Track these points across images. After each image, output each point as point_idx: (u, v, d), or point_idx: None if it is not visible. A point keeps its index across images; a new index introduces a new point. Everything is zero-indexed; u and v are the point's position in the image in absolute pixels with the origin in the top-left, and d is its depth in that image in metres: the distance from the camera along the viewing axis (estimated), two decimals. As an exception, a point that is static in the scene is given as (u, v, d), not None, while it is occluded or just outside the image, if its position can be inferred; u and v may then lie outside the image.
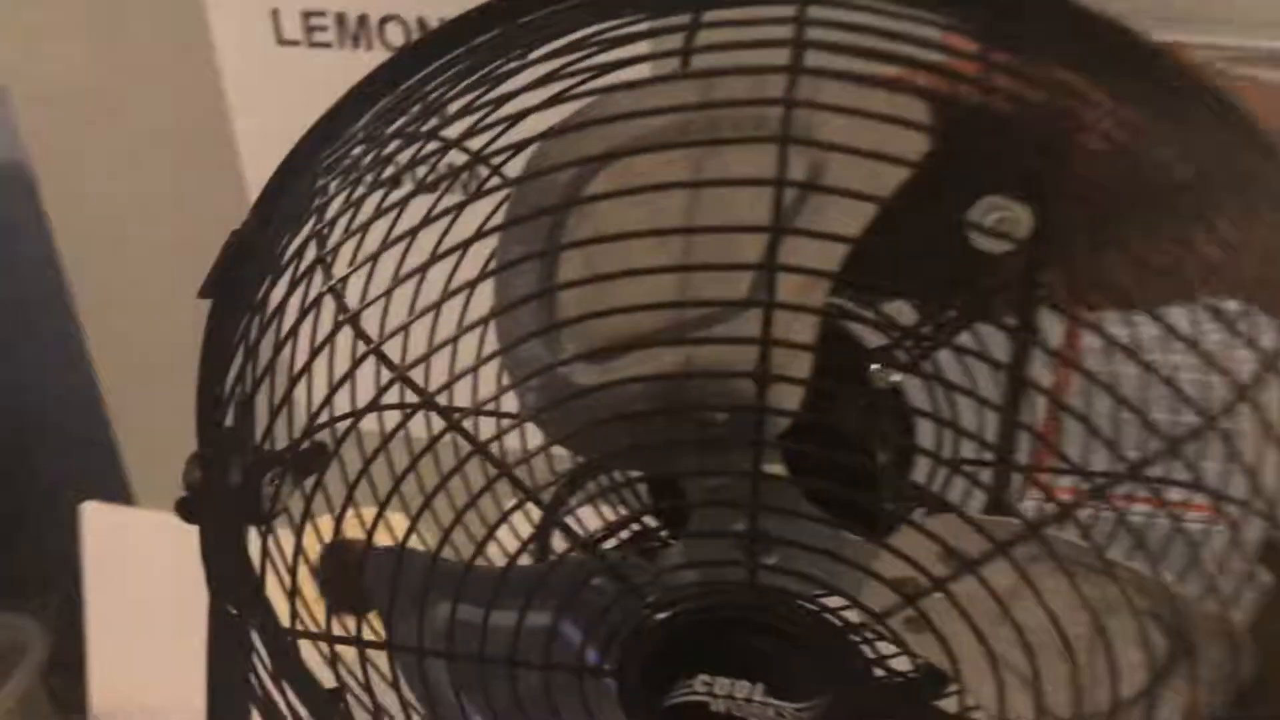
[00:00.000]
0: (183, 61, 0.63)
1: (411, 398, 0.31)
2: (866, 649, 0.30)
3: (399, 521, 0.37)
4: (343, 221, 0.32)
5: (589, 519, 0.47)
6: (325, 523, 0.38)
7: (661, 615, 0.30)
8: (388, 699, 0.39)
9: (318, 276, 0.32)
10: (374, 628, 0.38)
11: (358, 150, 0.32)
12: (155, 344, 0.77)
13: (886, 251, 0.31)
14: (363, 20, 0.59)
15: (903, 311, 0.39)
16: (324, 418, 0.39)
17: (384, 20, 0.59)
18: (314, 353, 0.34)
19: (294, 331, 0.32)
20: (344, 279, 0.30)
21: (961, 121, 0.30)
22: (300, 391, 0.37)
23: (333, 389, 0.34)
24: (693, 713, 0.31)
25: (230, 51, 0.62)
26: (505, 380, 0.34)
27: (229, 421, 0.37)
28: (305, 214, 0.33)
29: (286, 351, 0.36)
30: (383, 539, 0.38)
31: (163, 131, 0.67)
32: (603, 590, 0.31)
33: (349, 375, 0.33)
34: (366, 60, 0.60)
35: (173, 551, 0.82)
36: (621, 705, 0.32)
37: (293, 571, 0.38)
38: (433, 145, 0.34)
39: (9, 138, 0.69)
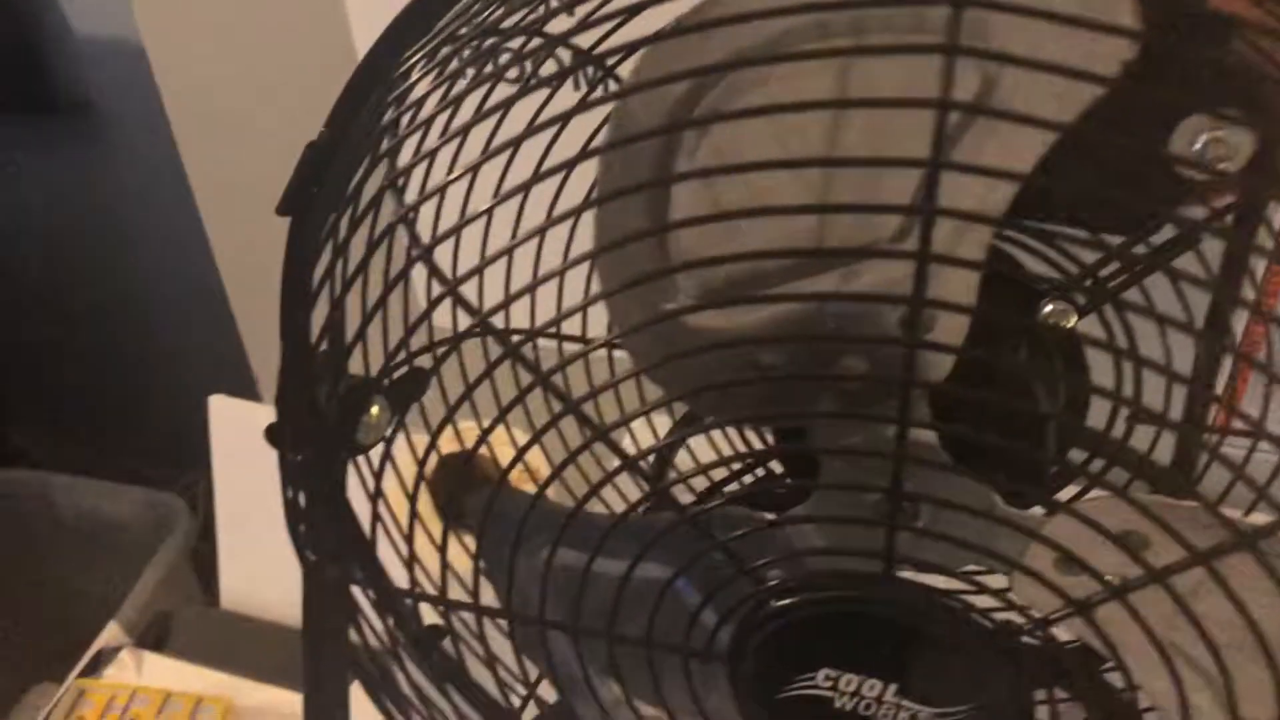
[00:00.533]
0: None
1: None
2: (1017, 652, 0.26)
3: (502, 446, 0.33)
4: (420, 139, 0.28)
5: (706, 452, 0.44)
6: (407, 464, 0.35)
7: (783, 601, 0.27)
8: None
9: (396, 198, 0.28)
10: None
11: (443, 52, 0.28)
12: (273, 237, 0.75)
13: (1068, 178, 0.26)
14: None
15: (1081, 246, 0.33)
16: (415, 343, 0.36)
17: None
18: (398, 275, 0.30)
19: (365, 265, 0.28)
20: (436, 193, 0.26)
21: (1170, 26, 0.24)
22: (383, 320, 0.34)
23: (429, 307, 0.30)
24: (812, 708, 0.27)
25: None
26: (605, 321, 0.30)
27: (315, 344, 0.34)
28: (378, 130, 0.29)
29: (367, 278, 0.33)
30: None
31: (278, 15, 0.64)
32: (719, 565, 0.28)
33: (434, 307, 0.29)
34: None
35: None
36: (733, 692, 0.29)
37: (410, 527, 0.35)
38: (527, 42, 0.30)
39: (127, 19, 0.67)
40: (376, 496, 0.34)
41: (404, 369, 0.36)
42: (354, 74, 0.29)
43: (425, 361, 0.35)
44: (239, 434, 0.87)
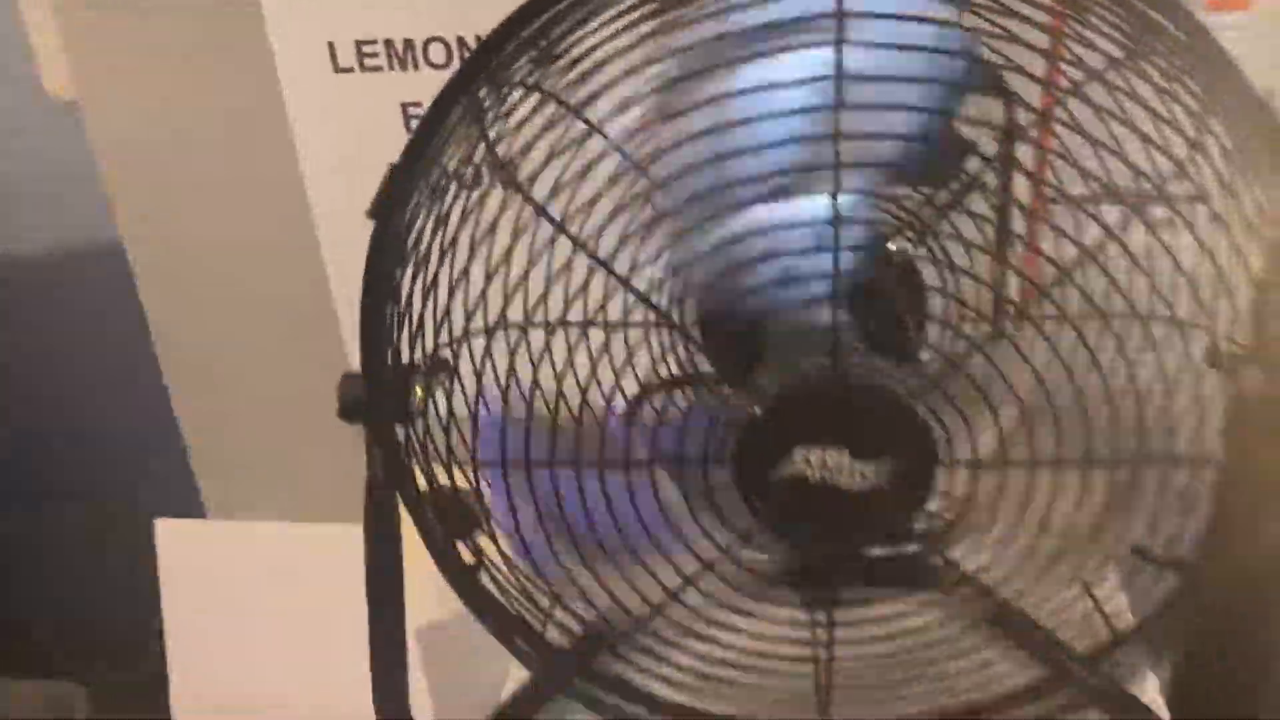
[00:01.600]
0: (249, 94, 0.73)
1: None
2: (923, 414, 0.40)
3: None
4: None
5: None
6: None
7: (760, 409, 0.40)
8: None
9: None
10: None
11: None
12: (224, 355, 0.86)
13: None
14: (408, 44, 0.70)
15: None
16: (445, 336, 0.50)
17: (427, 43, 0.70)
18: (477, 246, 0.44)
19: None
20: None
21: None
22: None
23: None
24: (795, 485, 0.41)
25: (292, 81, 0.72)
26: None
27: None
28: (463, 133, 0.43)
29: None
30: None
31: (232, 154, 0.76)
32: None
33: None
34: (415, 78, 0.71)
35: (247, 560, 0.90)
36: (739, 491, 0.42)
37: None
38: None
39: (83, 156, 0.78)
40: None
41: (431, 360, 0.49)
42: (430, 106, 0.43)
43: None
44: (187, 554, 0.93)
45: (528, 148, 0.45)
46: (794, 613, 0.48)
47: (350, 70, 0.71)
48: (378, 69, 0.71)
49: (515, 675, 0.59)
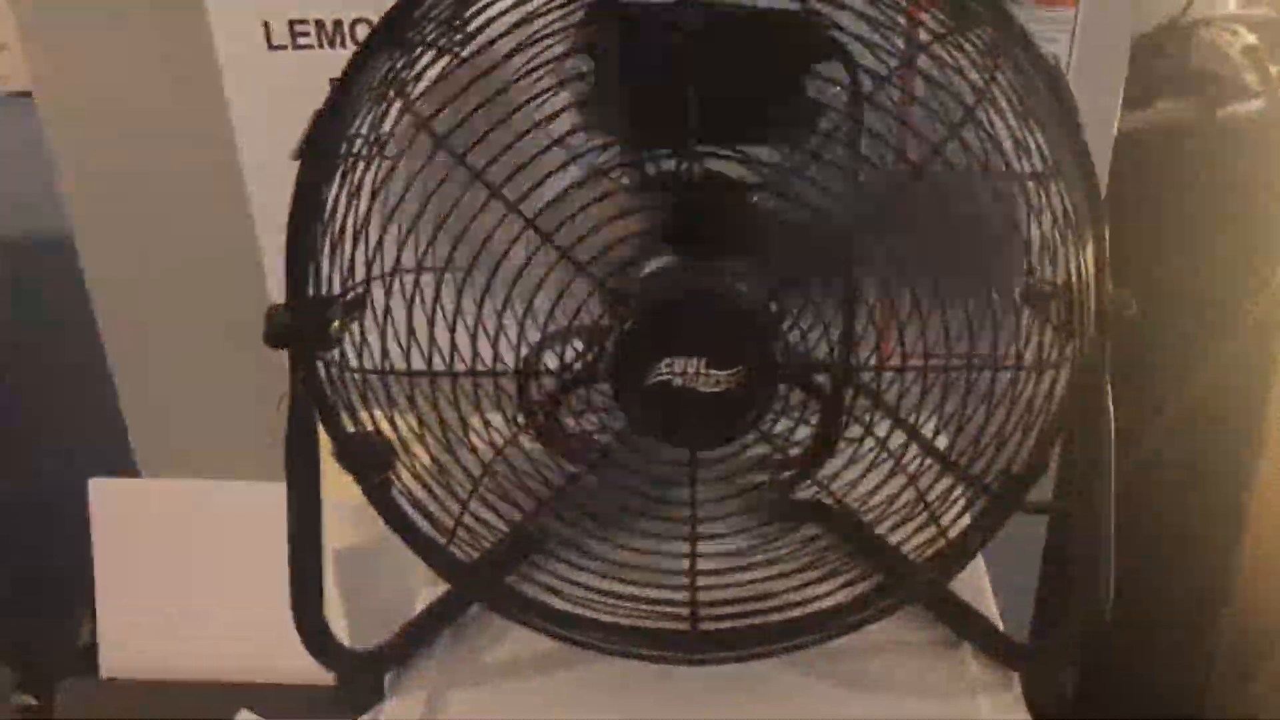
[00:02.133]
0: (188, 67, 0.78)
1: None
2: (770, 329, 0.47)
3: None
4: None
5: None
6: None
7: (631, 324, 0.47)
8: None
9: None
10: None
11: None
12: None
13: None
14: (337, 24, 0.76)
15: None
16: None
17: (354, 23, 0.76)
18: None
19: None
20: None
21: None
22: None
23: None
24: (663, 390, 0.48)
25: (229, 57, 0.78)
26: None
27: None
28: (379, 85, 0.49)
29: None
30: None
31: (169, 126, 0.82)
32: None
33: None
34: (342, 55, 0.77)
35: (180, 518, 0.94)
36: (616, 399, 0.48)
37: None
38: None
39: (34, 144, 0.83)
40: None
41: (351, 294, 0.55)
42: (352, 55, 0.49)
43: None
44: (120, 514, 0.98)
45: (439, 102, 0.51)
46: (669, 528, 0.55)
47: (284, 48, 0.77)
48: (309, 47, 0.77)
49: (424, 595, 0.65)
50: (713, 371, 0.47)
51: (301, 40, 0.77)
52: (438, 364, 0.52)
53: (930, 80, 0.48)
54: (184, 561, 0.98)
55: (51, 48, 0.81)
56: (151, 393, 0.96)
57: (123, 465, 0.98)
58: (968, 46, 0.49)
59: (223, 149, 0.82)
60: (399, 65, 0.51)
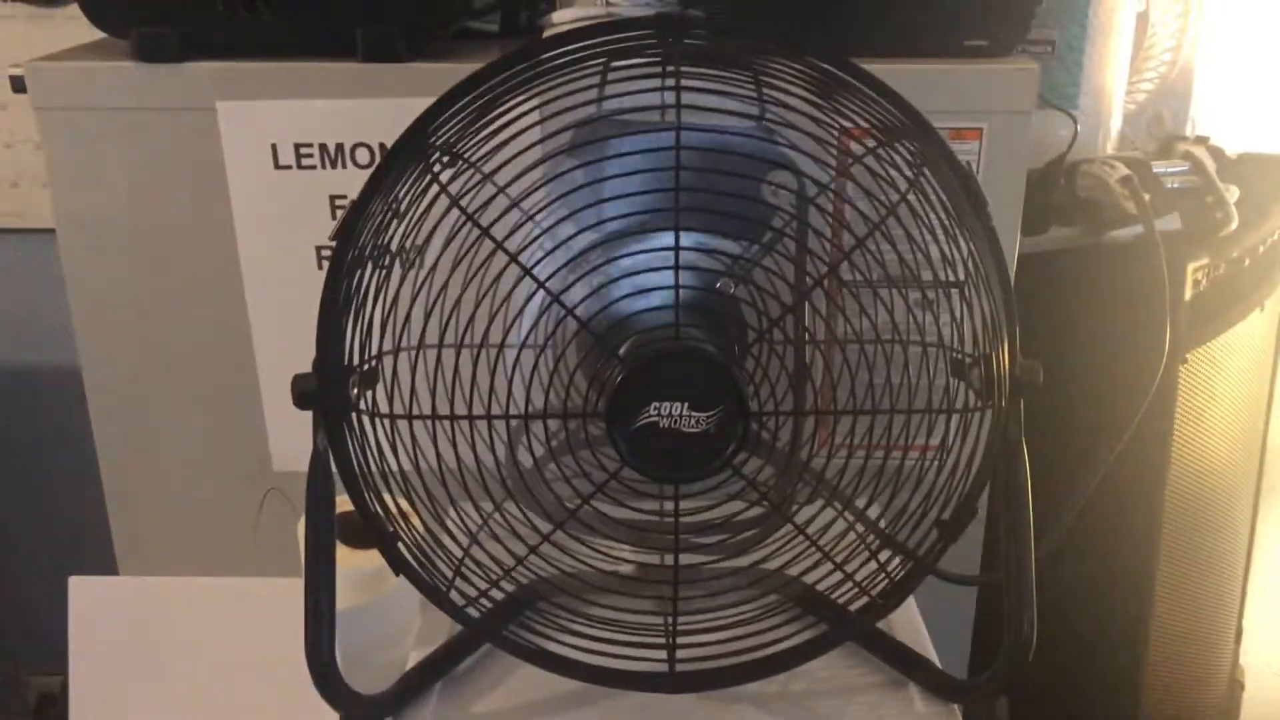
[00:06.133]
0: (201, 185, 0.87)
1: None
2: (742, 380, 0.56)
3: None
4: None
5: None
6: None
7: (623, 374, 0.56)
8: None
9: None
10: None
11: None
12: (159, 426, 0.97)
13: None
14: (339, 147, 0.86)
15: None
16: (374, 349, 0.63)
17: (355, 146, 0.86)
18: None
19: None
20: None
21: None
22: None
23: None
24: (650, 430, 0.56)
25: (237, 175, 0.87)
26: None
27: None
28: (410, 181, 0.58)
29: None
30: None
31: (177, 237, 0.90)
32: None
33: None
34: (342, 175, 0.87)
35: (160, 618, 0.97)
36: (609, 437, 0.57)
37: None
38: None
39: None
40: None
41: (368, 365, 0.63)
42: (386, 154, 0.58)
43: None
44: (99, 612, 1.00)
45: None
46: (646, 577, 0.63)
47: (289, 167, 0.86)
48: (312, 167, 0.86)
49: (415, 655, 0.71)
50: (694, 414, 0.56)
51: (305, 161, 0.86)
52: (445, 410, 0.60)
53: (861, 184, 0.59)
54: (163, 659, 1.01)
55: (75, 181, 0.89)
56: (137, 495, 1.01)
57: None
58: (896, 157, 0.60)
59: (224, 264, 0.90)
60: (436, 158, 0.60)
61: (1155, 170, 1.02)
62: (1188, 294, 0.99)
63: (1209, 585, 1.18)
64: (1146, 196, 0.92)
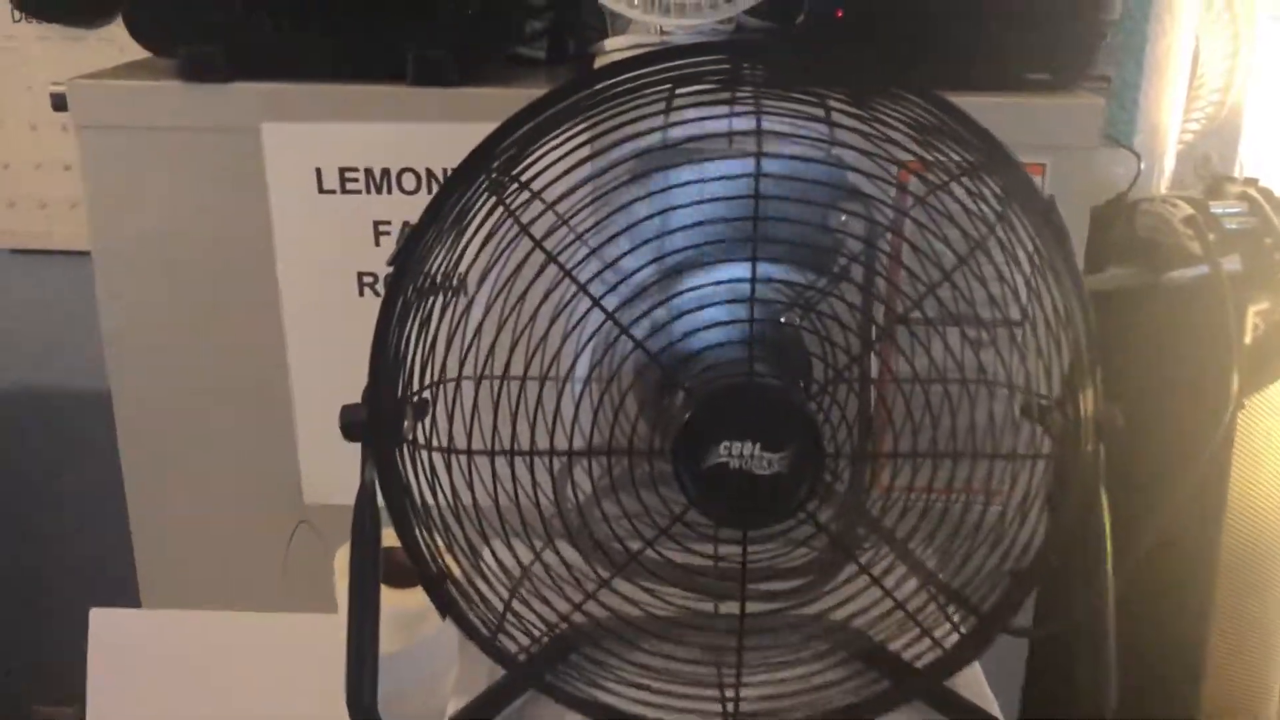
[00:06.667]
0: (242, 208, 0.85)
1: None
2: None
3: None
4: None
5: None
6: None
7: (692, 411, 0.53)
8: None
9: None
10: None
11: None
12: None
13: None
14: (385, 172, 0.84)
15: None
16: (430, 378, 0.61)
17: (401, 172, 0.84)
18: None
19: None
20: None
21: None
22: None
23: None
24: (720, 471, 0.53)
25: (280, 199, 0.85)
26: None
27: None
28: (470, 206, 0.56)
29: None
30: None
31: (215, 260, 0.88)
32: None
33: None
34: (386, 200, 0.85)
35: (182, 653, 0.95)
36: (676, 477, 0.54)
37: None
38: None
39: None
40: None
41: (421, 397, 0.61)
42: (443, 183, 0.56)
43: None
44: (119, 644, 0.98)
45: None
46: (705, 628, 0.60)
47: (333, 192, 0.84)
48: (356, 191, 0.84)
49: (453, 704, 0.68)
50: (766, 454, 0.53)
51: (350, 186, 0.84)
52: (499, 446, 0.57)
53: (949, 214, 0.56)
54: (183, 695, 0.98)
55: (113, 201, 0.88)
56: (163, 524, 0.98)
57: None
58: (984, 190, 0.57)
59: (261, 289, 0.88)
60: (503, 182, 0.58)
61: (1213, 210, 0.99)
62: (1248, 337, 0.97)
63: (1265, 633, 1.14)
64: (1211, 237, 0.90)
